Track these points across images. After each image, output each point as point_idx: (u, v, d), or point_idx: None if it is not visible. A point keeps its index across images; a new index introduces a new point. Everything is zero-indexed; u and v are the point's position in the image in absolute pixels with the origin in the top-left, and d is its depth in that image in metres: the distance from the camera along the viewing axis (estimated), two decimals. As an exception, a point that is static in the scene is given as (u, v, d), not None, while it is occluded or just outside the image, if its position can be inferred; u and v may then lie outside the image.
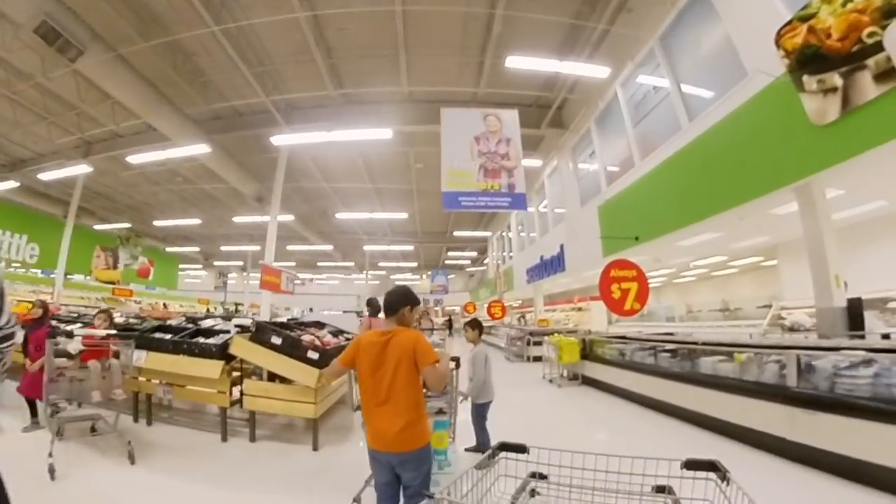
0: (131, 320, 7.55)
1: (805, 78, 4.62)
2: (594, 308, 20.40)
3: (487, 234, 23.21)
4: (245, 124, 13.33)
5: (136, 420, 4.94)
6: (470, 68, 10.39)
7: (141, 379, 4.76)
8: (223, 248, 24.54)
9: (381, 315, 5.72)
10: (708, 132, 6.10)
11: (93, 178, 17.47)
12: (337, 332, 5.71)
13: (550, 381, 7.91)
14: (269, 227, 11.97)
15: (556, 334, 8.25)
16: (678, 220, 6.79)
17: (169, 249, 25.56)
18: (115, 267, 21.24)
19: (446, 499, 1.04)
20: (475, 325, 4.33)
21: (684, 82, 7.04)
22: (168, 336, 4.84)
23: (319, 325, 6.05)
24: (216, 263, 30.86)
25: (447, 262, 30.89)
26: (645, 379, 5.77)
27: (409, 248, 22.96)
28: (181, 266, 30.51)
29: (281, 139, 10.05)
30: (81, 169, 12.88)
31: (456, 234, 22.05)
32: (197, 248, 25.41)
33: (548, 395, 7.17)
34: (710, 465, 1.15)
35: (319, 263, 30.28)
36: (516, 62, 7.78)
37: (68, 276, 19.54)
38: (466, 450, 3.92)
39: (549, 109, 11.32)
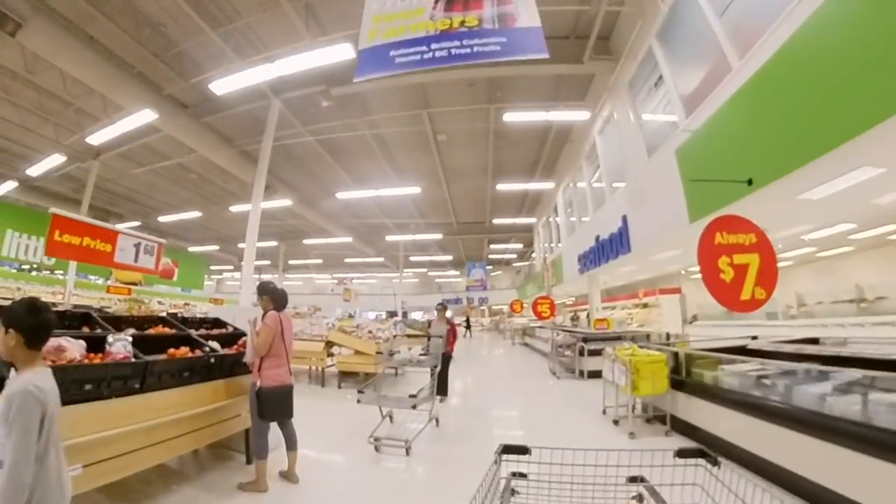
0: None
1: None
2: (665, 303, 16.90)
3: (531, 220, 20.21)
4: (233, 101, 11.57)
5: None
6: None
7: None
8: (241, 246, 23.60)
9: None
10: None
11: (109, 179, 16.95)
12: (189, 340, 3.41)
13: (616, 421, 4.94)
14: (251, 208, 9.96)
15: (625, 343, 5.25)
16: (823, 139, 3.70)
17: (191, 249, 25.01)
18: (135, 267, 20.99)
19: None
20: (15, 320, 1.53)
21: None
22: None
23: (167, 321, 3.96)
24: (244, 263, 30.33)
25: (490, 256, 28.09)
26: (856, 460, 2.52)
27: (437, 236, 20.25)
28: (214, 268, 30.50)
29: (220, 84, 8.01)
30: (56, 159, 12.35)
31: (496, 221, 19.28)
32: (216, 247, 24.62)
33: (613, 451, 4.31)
34: (700, 453, 1.22)
35: (347, 260, 28.56)
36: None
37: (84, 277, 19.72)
38: None
39: (588, 40, 8.38)
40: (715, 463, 1.16)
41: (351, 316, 24.55)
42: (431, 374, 5.02)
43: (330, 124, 12.23)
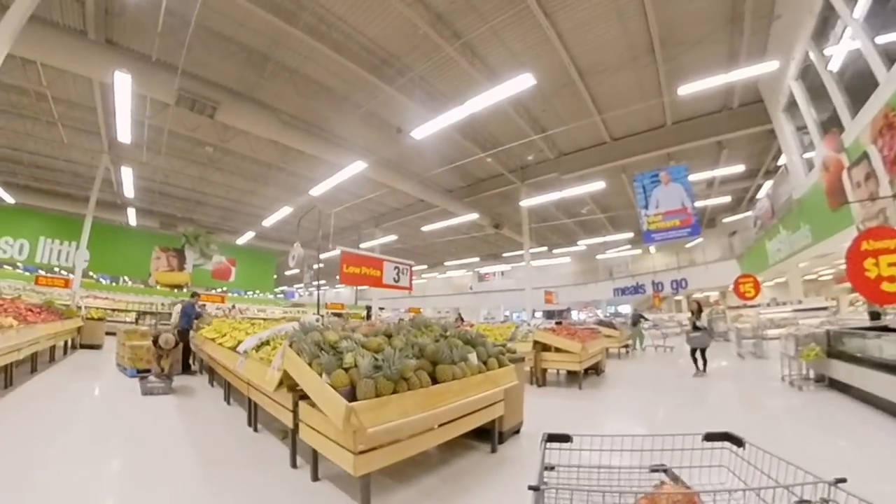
0: None
1: None
2: None
3: (769, 65, 8.48)
4: None
5: None
6: None
7: None
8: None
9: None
10: None
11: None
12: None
13: None
14: None
15: None
16: None
17: (239, 242, 21.33)
18: (180, 269, 19.38)
19: (559, 486, 1.07)
20: None
21: None
22: None
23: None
24: (324, 256, 25.80)
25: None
26: None
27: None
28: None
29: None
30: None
31: (684, 92, 9.39)
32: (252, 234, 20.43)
33: None
34: (725, 436, 1.27)
35: (425, 228, 20.57)
36: None
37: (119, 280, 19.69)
38: None
39: None
40: (740, 444, 1.22)
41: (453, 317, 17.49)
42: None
43: None
